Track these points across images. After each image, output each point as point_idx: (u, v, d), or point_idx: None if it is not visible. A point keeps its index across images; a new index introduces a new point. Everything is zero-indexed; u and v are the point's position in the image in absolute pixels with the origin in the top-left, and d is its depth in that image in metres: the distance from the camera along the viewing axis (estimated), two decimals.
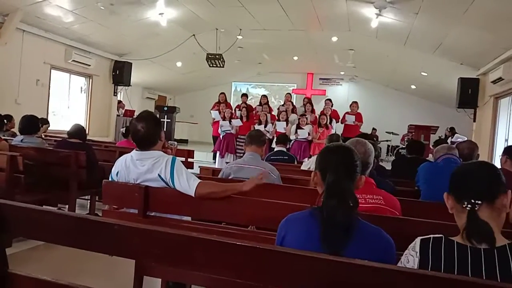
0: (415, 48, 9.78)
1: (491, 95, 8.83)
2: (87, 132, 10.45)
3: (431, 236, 1.34)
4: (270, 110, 9.89)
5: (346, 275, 1.15)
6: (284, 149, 5.64)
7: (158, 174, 2.34)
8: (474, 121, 9.65)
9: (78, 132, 4.84)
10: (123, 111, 12.49)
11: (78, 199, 4.73)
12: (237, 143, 9.15)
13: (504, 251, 1.22)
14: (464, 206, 1.32)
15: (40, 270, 3.15)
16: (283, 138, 5.81)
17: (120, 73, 11.32)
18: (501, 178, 1.34)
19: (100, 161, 4.99)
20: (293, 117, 9.53)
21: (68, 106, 10.64)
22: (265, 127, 8.83)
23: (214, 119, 9.70)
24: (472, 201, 1.31)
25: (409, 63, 11.40)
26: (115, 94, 11.78)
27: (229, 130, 9.08)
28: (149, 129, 2.38)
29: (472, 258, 1.23)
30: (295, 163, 5.61)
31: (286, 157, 5.53)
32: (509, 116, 8.12)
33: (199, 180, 2.33)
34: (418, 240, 1.36)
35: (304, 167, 4.69)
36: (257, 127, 8.79)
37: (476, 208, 1.30)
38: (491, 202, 1.30)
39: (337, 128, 9.61)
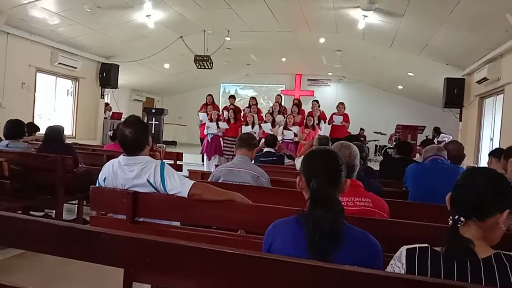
0: (401, 49, 9.88)
1: (476, 95, 8.96)
2: (73, 135, 10.43)
3: (417, 246, 1.30)
4: (259, 111, 9.88)
5: (335, 281, 1.15)
6: (273, 150, 5.68)
7: (147, 180, 2.31)
8: (460, 120, 9.78)
9: (54, 135, 4.73)
10: (111, 113, 12.38)
11: (65, 203, 4.66)
12: (224, 144, 9.12)
13: (490, 261, 1.20)
14: (449, 219, 1.28)
15: (26, 278, 3.11)
16: (272, 141, 5.83)
17: (107, 76, 11.20)
18: (502, 194, 1.24)
19: (88, 165, 4.94)
20: (279, 118, 9.54)
21: (54, 109, 10.50)
22: (252, 128, 8.82)
23: (201, 121, 9.65)
24: (456, 217, 1.26)
25: (396, 64, 11.51)
26: (102, 96, 11.67)
27: (215, 132, 9.03)
28: (137, 134, 2.35)
29: (458, 269, 1.21)
30: (285, 161, 5.65)
31: (275, 158, 5.58)
32: (494, 116, 8.24)
33: (194, 181, 2.32)
34: (403, 250, 1.32)
35: (297, 164, 4.74)
36: (244, 128, 8.77)
37: (459, 225, 1.25)
38: (480, 221, 1.23)
39: (326, 129, 9.63)
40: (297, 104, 9.80)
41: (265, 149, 5.73)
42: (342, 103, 9.95)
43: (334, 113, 9.73)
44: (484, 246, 1.24)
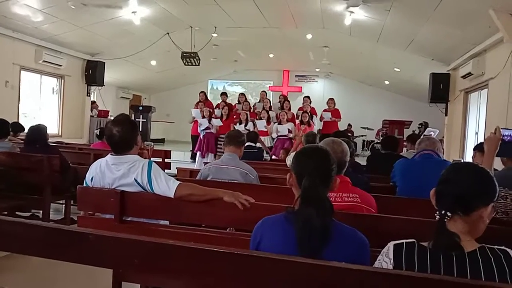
0: (387, 45, 9.95)
1: (461, 90, 9.08)
2: (60, 133, 10.29)
3: (404, 241, 1.33)
4: (250, 108, 9.85)
5: (324, 277, 1.16)
6: (253, 144, 5.81)
7: (135, 179, 2.30)
8: (446, 115, 9.90)
9: (36, 136, 4.52)
10: (97, 111, 12.24)
11: (52, 203, 4.60)
12: (218, 143, 9.07)
13: (475, 255, 1.23)
14: (436, 214, 1.31)
15: (13, 280, 3.07)
16: (253, 136, 5.99)
17: (93, 73, 11.06)
18: (486, 189, 1.28)
19: (74, 164, 4.86)
20: (272, 114, 9.54)
21: (39, 107, 10.35)
22: (245, 126, 8.78)
23: (194, 118, 9.57)
24: (443, 212, 1.29)
25: (382, 59, 11.59)
26: (88, 94, 11.53)
27: (209, 129, 9.00)
28: (125, 133, 2.34)
29: (444, 264, 1.23)
30: (263, 154, 5.75)
31: (256, 150, 5.83)
32: (479, 110, 8.36)
33: (179, 182, 2.31)
34: (391, 246, 1.34)
35: (289, 161, 4.82)
36: (237, 126, 8.74)
37: (446, 219, 1.28)
38: (466, 215, 1.27)
39: (318, 124, 9.69)
40: (288, 100, 9.83)
41: (247, 144, 5.87)
42: (331, 99, 10.00)
43: (324, 110, 9.79)
44: (469, 240, 1.27)
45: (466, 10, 6.55)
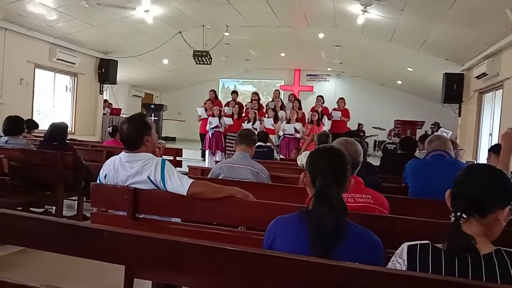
0: (400, 44, 9.86)
1: (476, 90, 8.96)
2: (72, 131, 10.40)
3: (418, 242, 1.31)
4: (261, 107, 9.84)
5: (337, 277, 1.15)
6: (263, 143, 5.82)
7: (148, 176, 2.32)
8: (460, 116, 9.78)
9: (57, 134, 4.61)
10: (110, 110, 12.36)
11: (65, 199, 4.65)
12: (226, 141, 9.09)
13: (491, 258, 1.21)
14: (451, 215, 1.29)
15: (27, 274, 3.11)
16: (263, 136, 6.00)
17: (106, 71, 11.18)
18: (503, 191, 1.26)
19: (87, 161, 4.91)
20: (281, 113, 9.51)
21: (53, 105, 10.49)
22: (253, 124, 8.78)
23: (200, 116, 9.62)
24: (458, 214, 1.27)
25: (395, 59, 11.50)
26: (101, 92, 11.64)
27: (218, 128, 9.02)
28: (132, 132, 2.37)
29: (459, 266, 1.22)
30: (274, 154, 5.73)
31: (266, 149, 5.85)
32: (493, 111, 8.24)
33: (192, 180, 2.32)
34: (405, 247, 1.33)
35: (300, 160, 4.84)
36: (245, 125, 8.74)
37: (461, 221, 1.26)
38: (481, 217, 1.25)
39: (328, 124, 9.64)
40: (299, 99, 9.81)
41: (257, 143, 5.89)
42: (342, 98, 10.00)
43: (333, 109, 9.78)
44: (485, 242, 1.25)
45: (481, 9, 6.45)
